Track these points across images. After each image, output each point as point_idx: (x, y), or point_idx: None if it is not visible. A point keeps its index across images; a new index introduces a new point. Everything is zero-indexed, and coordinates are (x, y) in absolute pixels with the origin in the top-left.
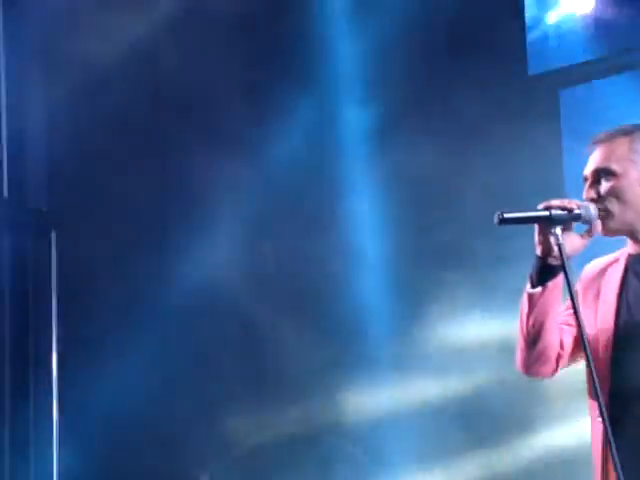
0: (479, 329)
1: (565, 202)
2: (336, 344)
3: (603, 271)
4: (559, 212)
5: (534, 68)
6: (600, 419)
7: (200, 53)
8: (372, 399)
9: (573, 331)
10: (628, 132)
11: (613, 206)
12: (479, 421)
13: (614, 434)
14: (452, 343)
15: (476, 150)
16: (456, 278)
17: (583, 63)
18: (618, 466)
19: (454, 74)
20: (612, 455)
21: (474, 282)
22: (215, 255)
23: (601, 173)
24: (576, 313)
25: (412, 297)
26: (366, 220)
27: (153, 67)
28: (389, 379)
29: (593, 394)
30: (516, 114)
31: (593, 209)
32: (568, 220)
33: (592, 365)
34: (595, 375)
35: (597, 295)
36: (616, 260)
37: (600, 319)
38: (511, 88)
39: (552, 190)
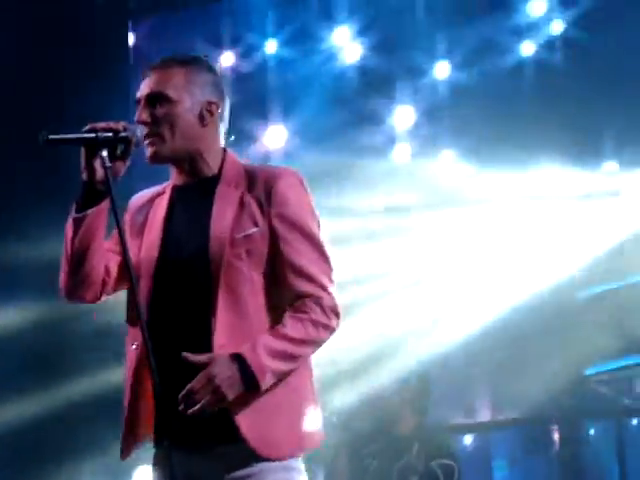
0: None
1: (111, 124)
2: None
3: (150, 202)
4: (105, 134)
5: None
6: (134, 346)
7: None
8: None
9: (118, 258)
10: (185, 63)
11: (165, 131)
12: None
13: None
14: None
15: None
16: None
17: None
18: (157, 386)
19: None
20: (154, 376)
21: None
22: None
23: (156, 98)
24: (121, 236)
25: None
26: None
27: None
28: None
29: (133, 321)
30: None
31: (140, 131)
32: (114, 142)
33: (135, 290)
34: (139, 301)
35: (144, 225)
36: (163, 192)
37: (145, 248)
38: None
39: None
